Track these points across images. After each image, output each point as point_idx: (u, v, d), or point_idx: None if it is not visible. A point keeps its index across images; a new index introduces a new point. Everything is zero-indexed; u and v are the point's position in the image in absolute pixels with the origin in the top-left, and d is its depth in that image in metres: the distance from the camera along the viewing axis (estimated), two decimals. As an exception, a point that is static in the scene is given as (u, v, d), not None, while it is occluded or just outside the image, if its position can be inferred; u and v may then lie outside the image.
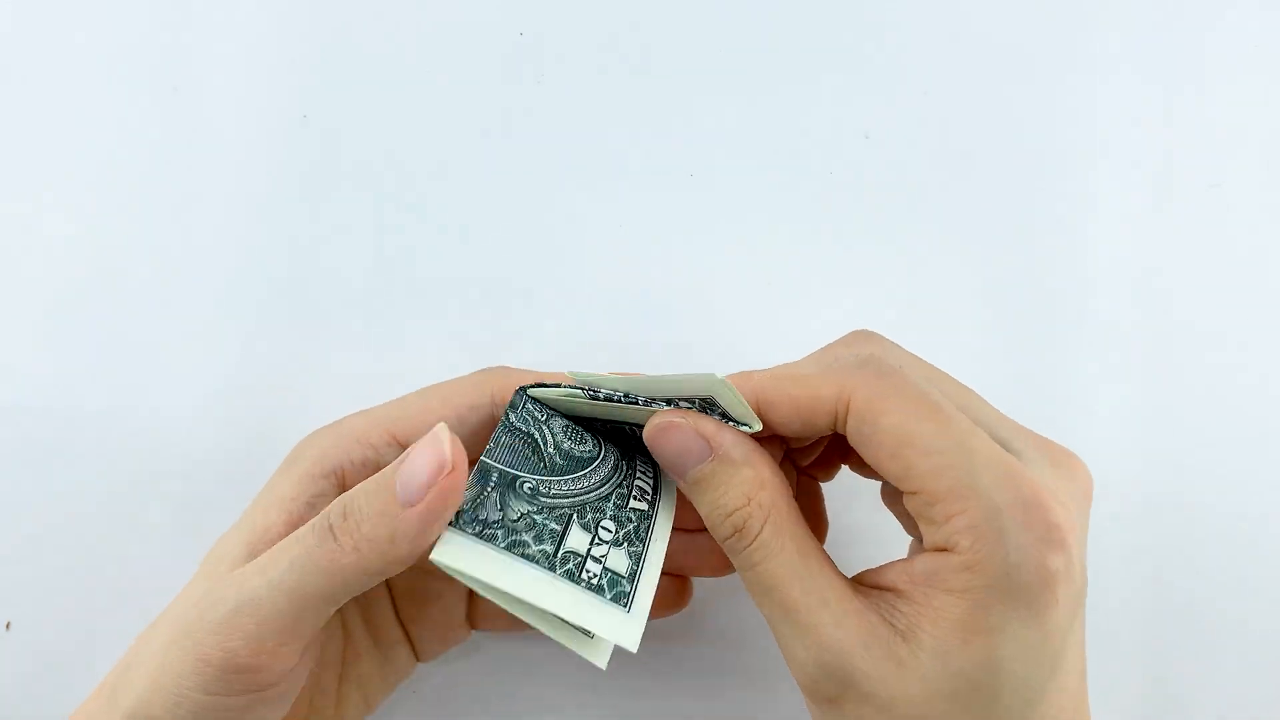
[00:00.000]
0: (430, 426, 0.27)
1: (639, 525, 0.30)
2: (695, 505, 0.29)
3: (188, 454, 0.39)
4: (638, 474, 0.31)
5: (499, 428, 0.29)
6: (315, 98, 0.41)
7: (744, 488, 0.27)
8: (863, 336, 0.30)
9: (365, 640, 0.34)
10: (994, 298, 0.41)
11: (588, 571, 0.28)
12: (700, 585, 0.37)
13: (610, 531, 0.29)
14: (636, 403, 0.29)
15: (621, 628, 0.27)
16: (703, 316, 0.40)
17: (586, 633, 0.27)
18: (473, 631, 0.36)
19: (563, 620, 0.27)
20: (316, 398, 0.39)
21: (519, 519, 0.27)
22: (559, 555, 0.27)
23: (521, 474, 0.28)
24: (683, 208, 0.41)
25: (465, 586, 0.29)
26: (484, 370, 0.32)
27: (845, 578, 0.28)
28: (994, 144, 0.42)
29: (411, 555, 0.26)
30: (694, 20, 0.42)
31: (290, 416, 0.39)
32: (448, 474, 0.25)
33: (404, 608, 0.35)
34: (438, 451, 0.25)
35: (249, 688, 0.26)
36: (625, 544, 0.29)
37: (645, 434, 0.29)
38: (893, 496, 0.33)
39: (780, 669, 0.29)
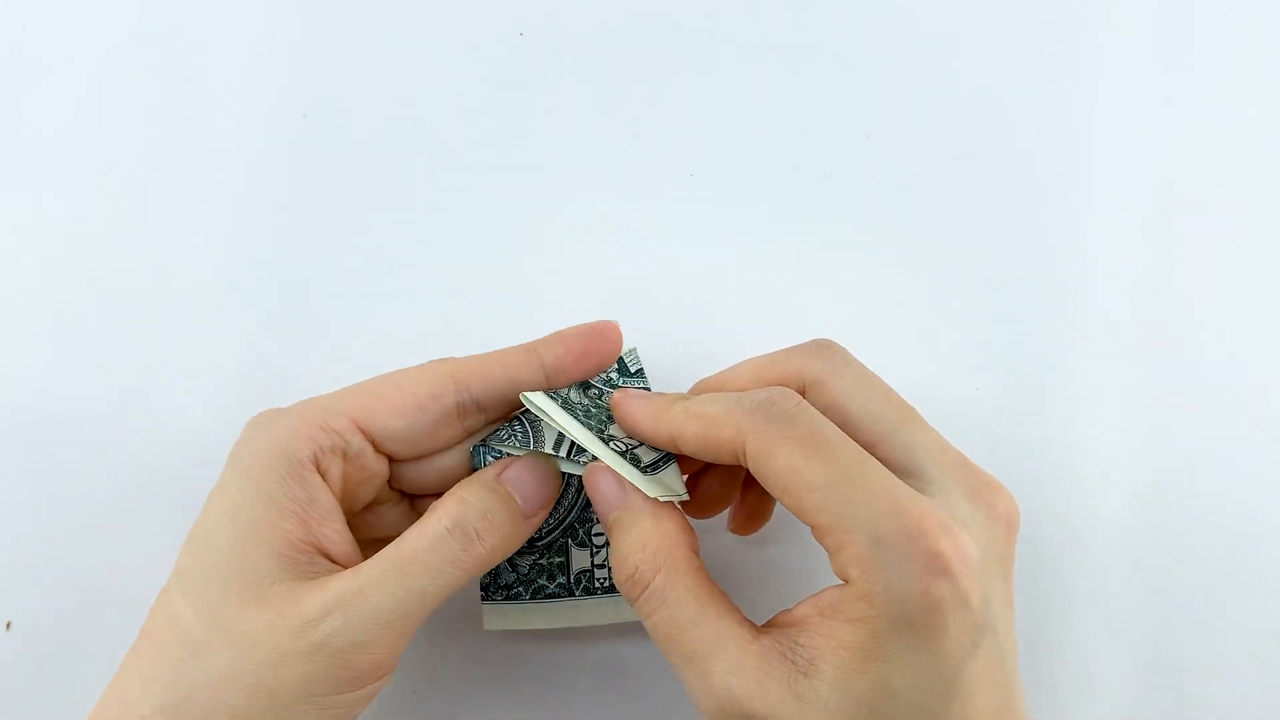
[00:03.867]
0: (393, 412, 0.31)
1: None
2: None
3: (188, 454, 0.39)
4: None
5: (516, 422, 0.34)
6: (315, 96, 0.41)
7: (642, 537, 0.29)
8: (815, 347, 0.32)
9: None
10: (994, 298, 0.41)
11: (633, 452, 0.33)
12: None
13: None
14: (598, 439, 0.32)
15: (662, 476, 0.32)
16: (702, 316, 0.40)
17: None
18: None
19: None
20: (317, 397, 0.39)
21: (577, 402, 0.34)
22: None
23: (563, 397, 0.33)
24: (683, 207, 0.41)
25: (402, 502, 0.34)
26: (437, 361, 0.33)
27: (748, 623, 0.28)
28: (994, 144, 0.42)
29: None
30: (693, 20, 0.42)
31: (290, 416, 0.38)
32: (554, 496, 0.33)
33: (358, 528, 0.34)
34: (554, 488, 0.33)
35: (382, 674, 0.30)
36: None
37: (584, 475, 0.32)
38: None
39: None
